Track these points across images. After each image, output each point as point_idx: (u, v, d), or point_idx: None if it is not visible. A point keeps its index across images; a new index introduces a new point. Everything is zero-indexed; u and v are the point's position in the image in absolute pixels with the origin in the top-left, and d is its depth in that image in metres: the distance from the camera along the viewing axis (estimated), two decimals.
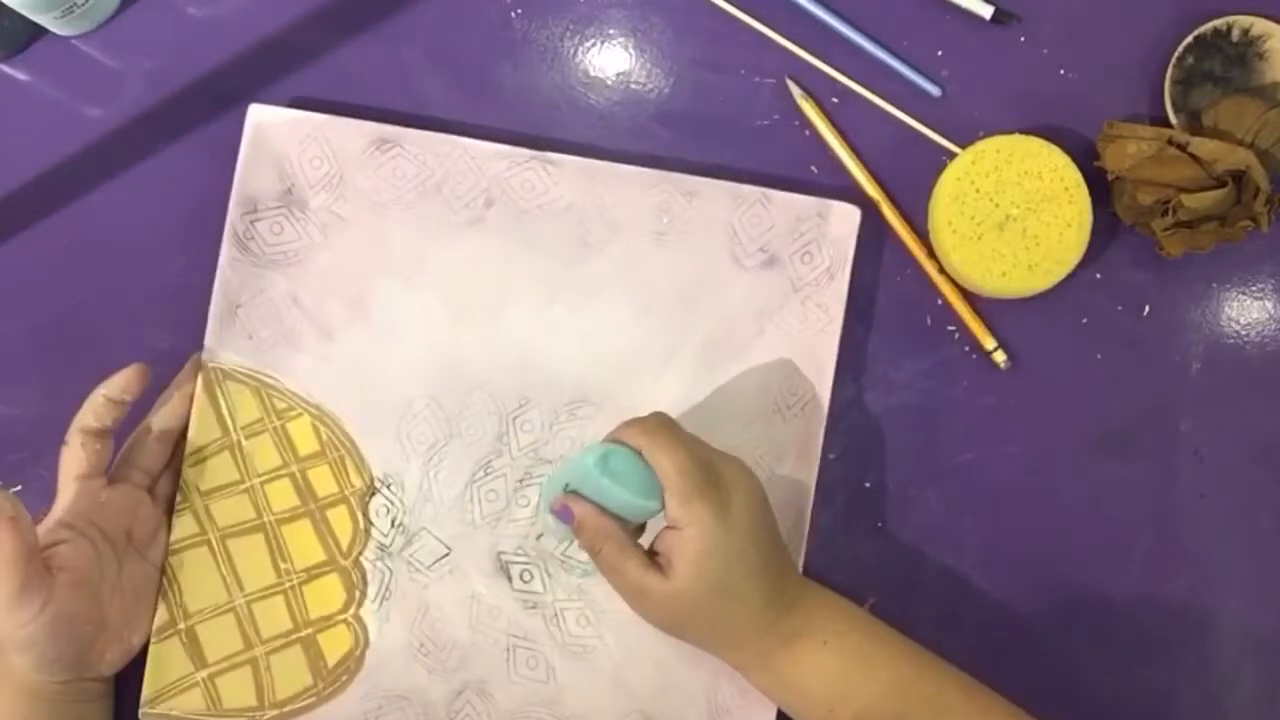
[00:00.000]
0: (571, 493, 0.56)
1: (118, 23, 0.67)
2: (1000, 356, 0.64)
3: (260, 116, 0.63)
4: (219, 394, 0.62)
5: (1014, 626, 0.64)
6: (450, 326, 0.64)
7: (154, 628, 0.61)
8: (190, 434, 0.62)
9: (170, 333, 0.65)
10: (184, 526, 0.62)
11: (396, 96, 0.66)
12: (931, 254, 0.65)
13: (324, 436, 0.63)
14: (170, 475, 0.62)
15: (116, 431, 0.59)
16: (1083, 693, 0.64)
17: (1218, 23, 0.63)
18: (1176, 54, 0.64)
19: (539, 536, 0.63)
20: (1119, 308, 0.65)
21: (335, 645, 0.62)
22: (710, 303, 0.64)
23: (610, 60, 0.67)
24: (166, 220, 0.66)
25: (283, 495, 0.63)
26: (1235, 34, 0.64)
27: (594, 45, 0.67)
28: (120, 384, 0.58)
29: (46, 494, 0.65)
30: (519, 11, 0.67)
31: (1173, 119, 0.64)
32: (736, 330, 0.64)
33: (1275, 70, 0.63)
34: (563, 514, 0.56)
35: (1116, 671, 0.64)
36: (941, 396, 0.65)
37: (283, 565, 0.62)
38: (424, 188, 0.64)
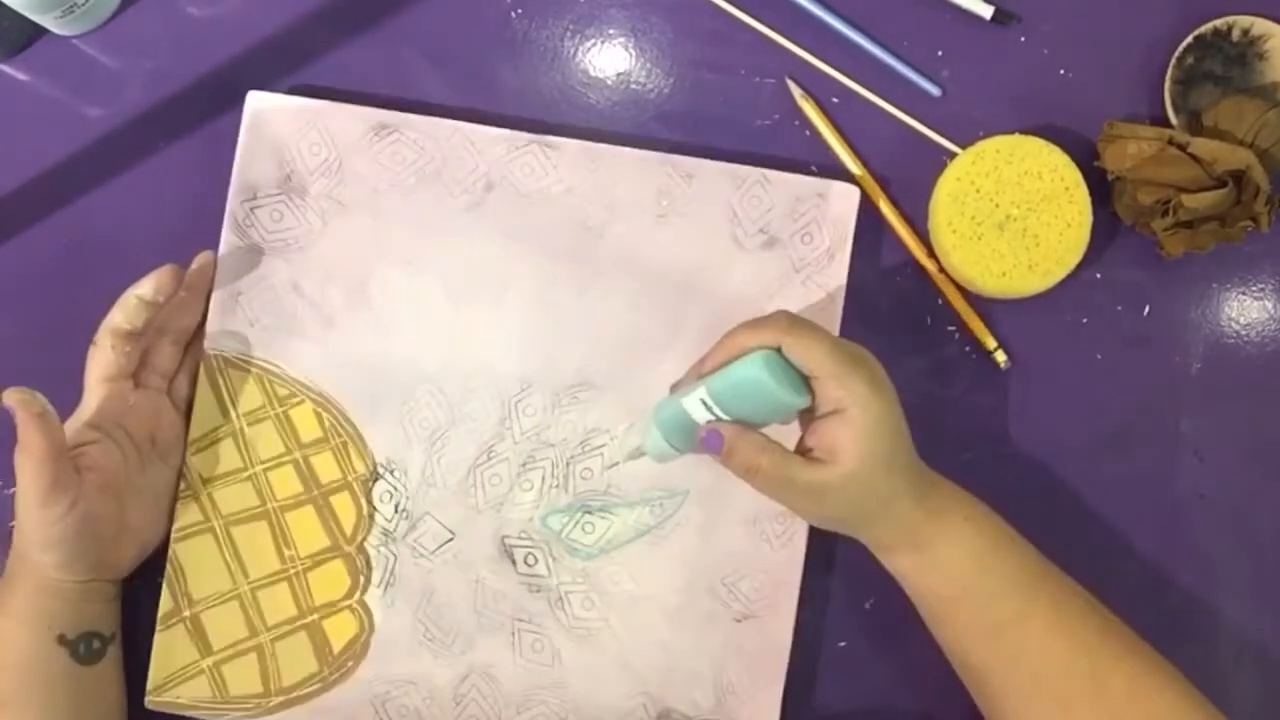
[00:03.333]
0: (715, 419, 0.55)
1: (118, 23, 0.67)
2: (1000, 356, 0.64)
3: (259, 103, 0.63)
4: (220, 381, 0.63)
5: None
6: (451, 311, 0.64)
7: (159, 615, 0.61)
8: (193, 422, 0.62)
9: None
10: (188, 514, 0.62)
11: (396, 96, 0.66)
12: (931, 254, 0.65)
13: (326, 423, 0.63)
14: (185, 378, 0.63)
15: (145, 333, 0.60)
16: None
17: (1218, 23, 0.63)
18: (1176, 54, 0.64)
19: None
20: (1119, 308, 0.65)
21: (340, 631, 0.62)
22: (711, 284, 0.64)
23: (610, 60, 0.67)
24: (166, 220, 0.66)
25: (286, 482, 0.63)
26: (1235, 34, 0.63)
27: (594, 45, 0.67)
28: (153, 284, 0.58)
29: None
30: (519, 11, 0.67)
31: (1173, 119, 0.64)
32: (738, 311, 0.63)
33: (1275, 70, 0.63)
34: (710, 441, 0.54)
35: None
36: (941, 396, 0.65)
37: (287, 552, 0.63)
38: (423, 173, 0.64)
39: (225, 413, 0.63)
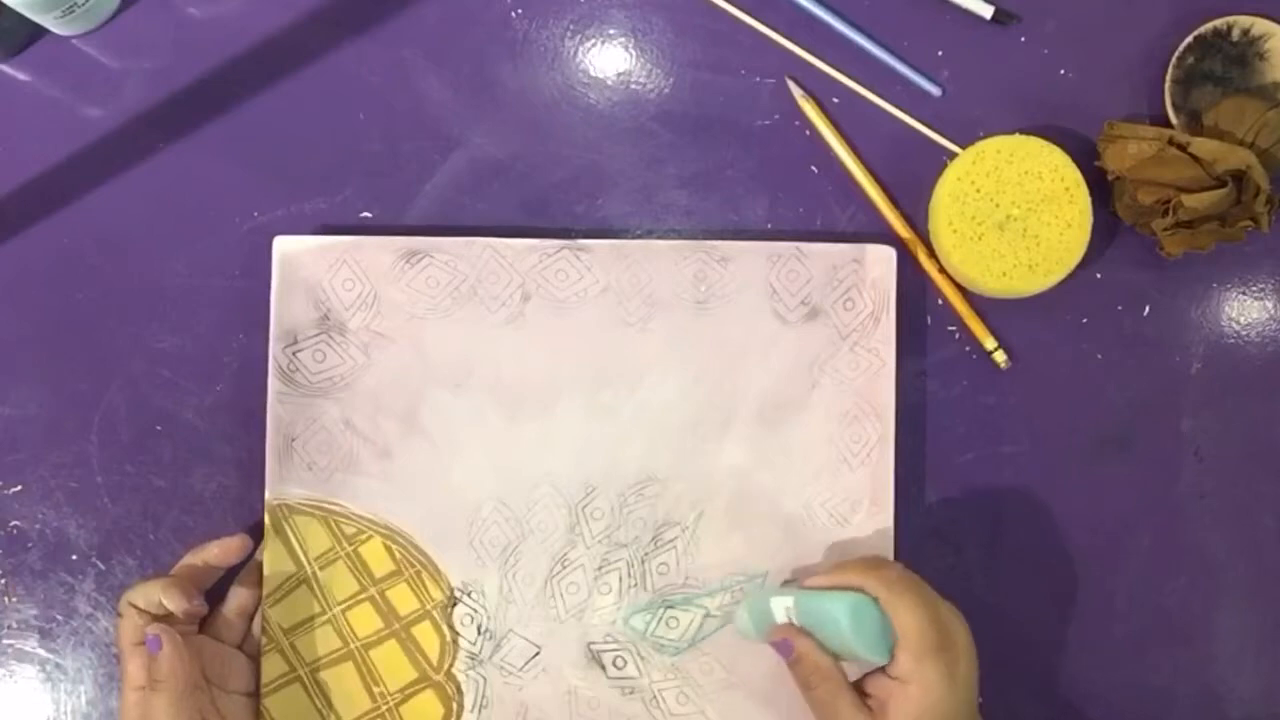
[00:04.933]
0: (791, 625, 0.57)
1: (118, 23, 0.67)
2: (1000, 356, 0.64)
3: (286, 247, 0.63)
4: (287, 529, 0.62)
5: (1014, 626, 0.64)
6: (506, 426, 0.63)
7: None
8: (265, 574, 0.62)
9: (170, 333, 0.65)
10: (273, 666, 0.61)
11: (397, 96, 0.66)
12: (931, 254, 0.65)
13: (397, 555, 0.63)
14: (254, 631, 0.62)
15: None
16: (1083, 692, 0.64)
17: (1218, 23, 0.63)
18: (1176, 54, 0.64)
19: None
20: (1119, 308, 0.65)
21: None
22: (760, 363, 0.63)
23: (610, 60, 0.67)
24: (166, 220, 0.66)
25: (365, 620, 0.62)
26: (1235, 34, 0.63)
27: (594, 45, 0.67)
28: (143, 598, 0.58)
29: (46, 494, 0.65)
30: (519, 11, 0.67)
31: (1173, 119, 0.64)
32: (791, 386, 0.63)
33: (1275, 70, 0.63)
34: (784, 647, 0.57)
35: (1116, 671, 0.64)
36: (941, 396, 0.65)
37: (376, 689, 0.62)
38: (459, 293, 0.64)
39: (296, 559, 0.62)
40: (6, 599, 0.65)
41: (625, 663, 0.63)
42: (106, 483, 0.65)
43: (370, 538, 0.63)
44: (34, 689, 0.65)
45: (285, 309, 0.63)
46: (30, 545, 0.65)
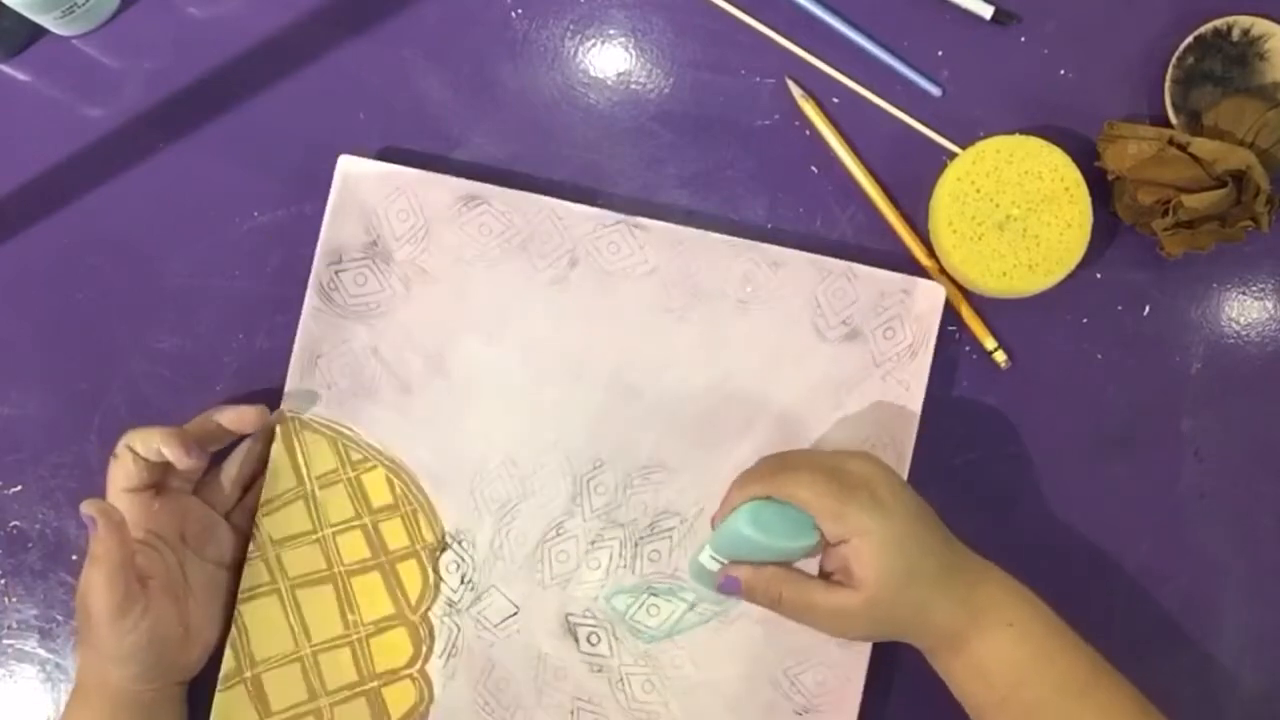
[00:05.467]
0: (723, 565, 0.58)
1: (118, 23, 0.67)
2: (1000, 356, 0.64)
3: (349, 167, 0.63)
4: (296, 444, 0.63)
5: None
6: (529, 385, 0.64)
7: (221, 675, 0.61)
8: (267, 483, 0.62)
9: (170, 333, 0.65)
10: (255, 575, 0.62)
11: (397, 96, 0.66)
12: (931, 254, 0.65)
13: (398, 490, 0.63)
14: (245, 503, 0.63)
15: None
16: None
17: (1218, 23, 0.63)
18: (1176, 54, 0.64)
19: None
20: (1119, 308, 0.65)
21: (400, 700, 0.62)
22: (790, 373, 0.63)
23: (610, 60, 0.67)
24: (166, 220, 0.66)
25: (354, 547, 0.63)
26: (1235, 34, 0.64)
27: (594, 45, 0.67)
28: (159, 443, 0.57)
29: (46, 494, 0.65)
30: (519, 11, 0.67)
31: (1173, 119, 0.64)
32: (816, 402, 0.63)
33: (1275, 70, 0.63)
34: (729, 585, 0.57)
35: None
36: (941, 396, 0.65)
37: (350, 617, 0.62)
38: (509, 245, 0.64)
39: (299, 474, 0.62)
40: (6, 599, 0.65)
41: (599, 640, 0.63)
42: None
43: (374, 467, 0.63)
44: (34, 689, 0.65)
45: (337, 227, 0.63)
46: (30, 545, 0.65)
